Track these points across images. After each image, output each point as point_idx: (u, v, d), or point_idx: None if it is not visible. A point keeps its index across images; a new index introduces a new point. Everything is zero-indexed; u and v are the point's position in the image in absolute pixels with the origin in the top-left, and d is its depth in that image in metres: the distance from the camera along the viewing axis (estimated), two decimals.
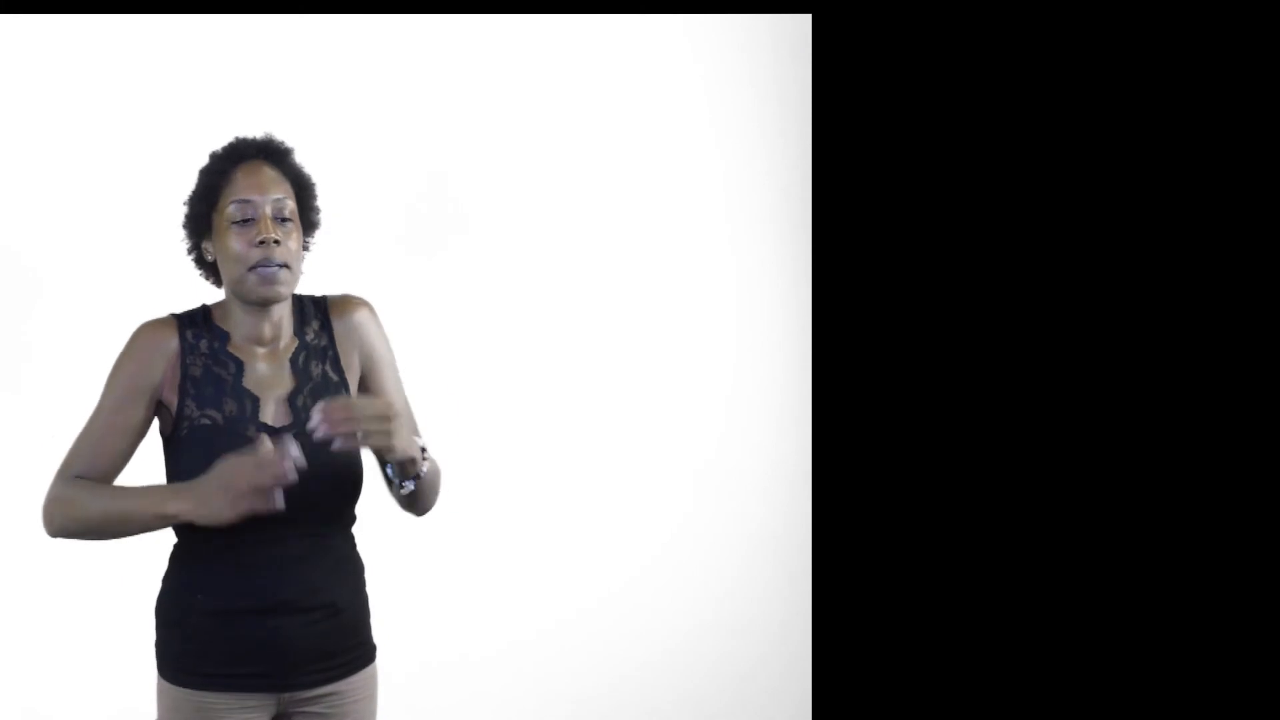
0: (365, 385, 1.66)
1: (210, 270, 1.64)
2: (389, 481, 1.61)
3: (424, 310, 2.59)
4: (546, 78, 2.78)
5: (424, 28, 2.63)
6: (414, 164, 2.66)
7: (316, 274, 1.72)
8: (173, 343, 1.58)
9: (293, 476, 1.42)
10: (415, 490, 1.58)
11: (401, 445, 1.49)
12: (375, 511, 1.69)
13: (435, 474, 1.63)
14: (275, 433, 1.53)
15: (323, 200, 1.67)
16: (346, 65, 2.60)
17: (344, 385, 1.62)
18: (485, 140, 2.72)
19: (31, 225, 2.38)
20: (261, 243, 1.53)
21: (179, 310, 1.63)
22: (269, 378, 1.59)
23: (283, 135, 1.65)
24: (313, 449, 1.46)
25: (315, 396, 1.57)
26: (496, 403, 2.73)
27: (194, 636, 1.56)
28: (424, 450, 1.58)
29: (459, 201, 2.71)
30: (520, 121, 2.75)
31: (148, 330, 1.59)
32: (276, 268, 1.54)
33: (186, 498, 1.47)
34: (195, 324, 1.60)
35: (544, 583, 2.77)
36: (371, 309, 1.68)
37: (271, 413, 1.57)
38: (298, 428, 1.54)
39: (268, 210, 1.55)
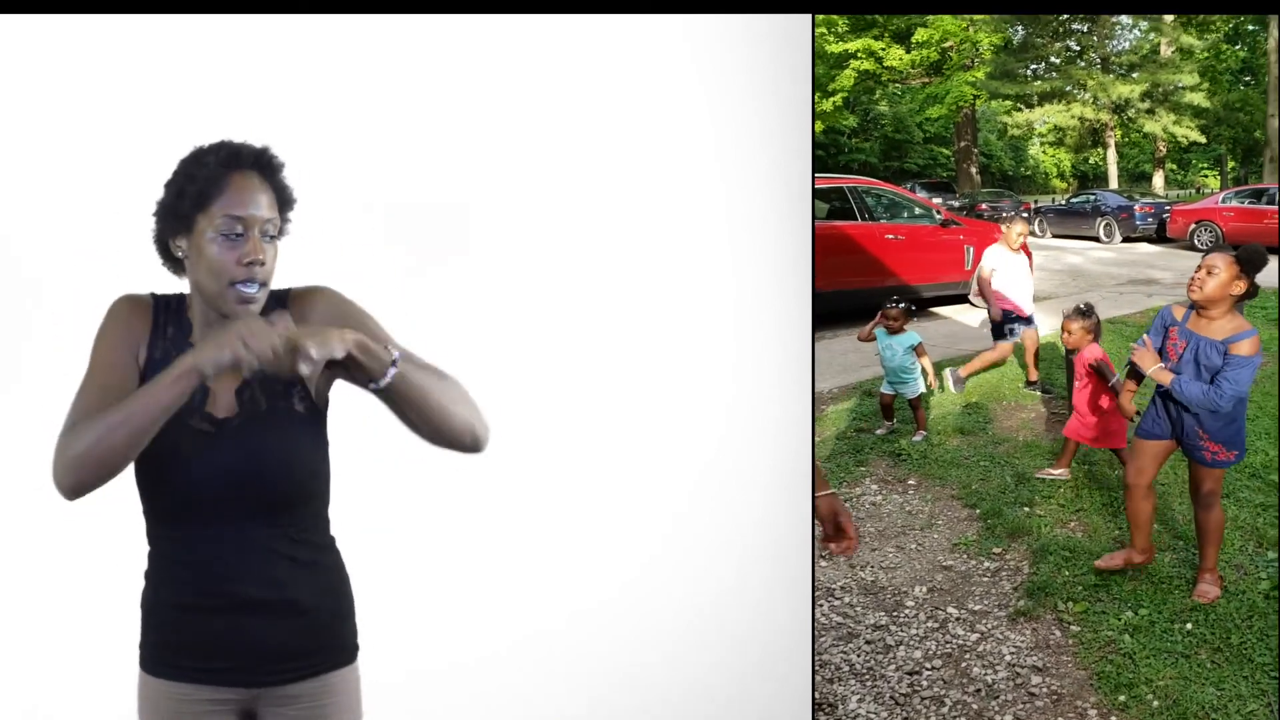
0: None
1: (176, 264, 1.63)
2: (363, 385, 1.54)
3: (424, 311, 2.58)
4: (546, 78, 2.77)
5: (424, 28, 2.63)
6: (414, 165, 2.65)
7: (313, 275, 1.72)
8: (148, 320, 1.61)
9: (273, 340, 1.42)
10: (390, 391, 1.51)
11: (304, 361, 1.43)
12: (376, 513, 1.69)
13: (419, 382, 1.55)
14: (220, 424, 1.56)
15: (317, 204, 1.68)
16: (346, 66, 2.60)
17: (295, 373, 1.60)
18: (485, 140, 2.72)
19: (31, 227, 2.38)
20: (249, 263, 1.54)
21: (159, 292, 1.64)
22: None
23: (277, 148, 1.63)
24: (253, 446, 1.53)
25: (265, 389, 1.59)
26: (496, 403, 2.71)
27: (165, 628, 1.60)
28: (394, 358, 1.51)
29: (461, 219, 2.70)
30: (520, 122, 2.75)
31: (128, 302, 1.62)
32: (256, 287, 1.56)
33: (194, 350, 1.45)
34: (169, 310, 1.63)
35: (543, 583, 2.76)
36: (332, 290, 1.66)
37: (219, 403, 1.59)
38: (244, 419, 1.57)
39: (257, 231, 1.55)
